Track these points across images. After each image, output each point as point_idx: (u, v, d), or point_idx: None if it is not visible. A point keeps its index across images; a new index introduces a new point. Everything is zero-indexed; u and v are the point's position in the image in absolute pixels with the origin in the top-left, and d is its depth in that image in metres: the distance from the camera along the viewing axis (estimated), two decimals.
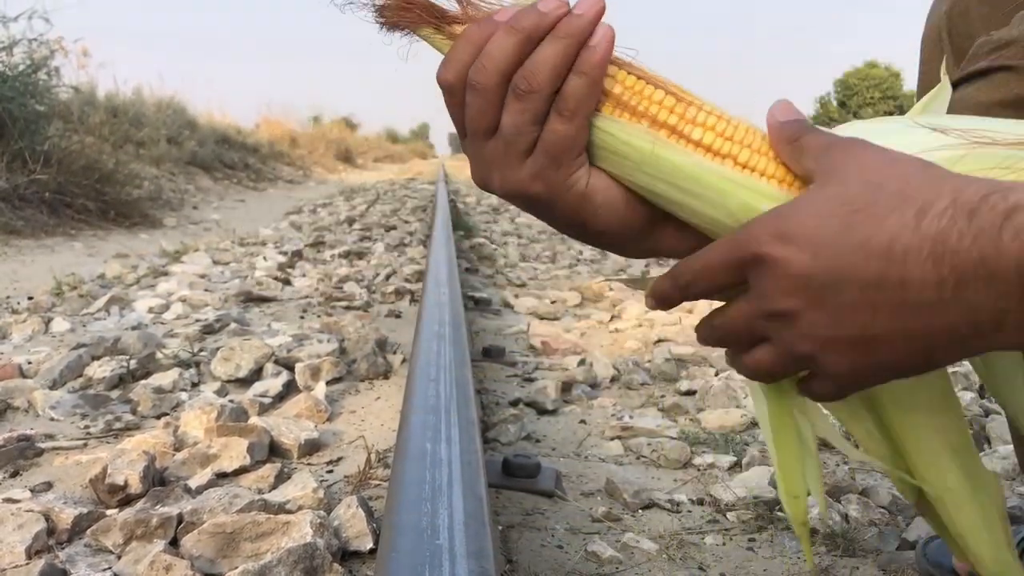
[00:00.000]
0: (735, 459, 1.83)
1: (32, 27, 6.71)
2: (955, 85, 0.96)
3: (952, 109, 0.93)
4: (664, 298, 0.68)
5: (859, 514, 1.52)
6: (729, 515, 1.59)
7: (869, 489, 1.65)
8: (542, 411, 2.22)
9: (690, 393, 2.38)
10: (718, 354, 2.65)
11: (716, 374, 2.53)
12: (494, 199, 11.28)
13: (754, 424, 2.05)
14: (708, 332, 0.67)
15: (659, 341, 3.03)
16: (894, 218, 0.54)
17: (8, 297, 3.51)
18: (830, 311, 0.57)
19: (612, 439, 2.00)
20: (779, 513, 1.55)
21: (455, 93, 0.65)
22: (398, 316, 3.28)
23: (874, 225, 0.54)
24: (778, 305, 0.58)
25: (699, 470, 1.81)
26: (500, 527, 1.46)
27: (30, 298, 3.45)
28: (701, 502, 1.66)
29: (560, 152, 0.63)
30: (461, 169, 27.80)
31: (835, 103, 24.23)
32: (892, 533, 1.48)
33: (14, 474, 1.62)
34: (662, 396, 2.38)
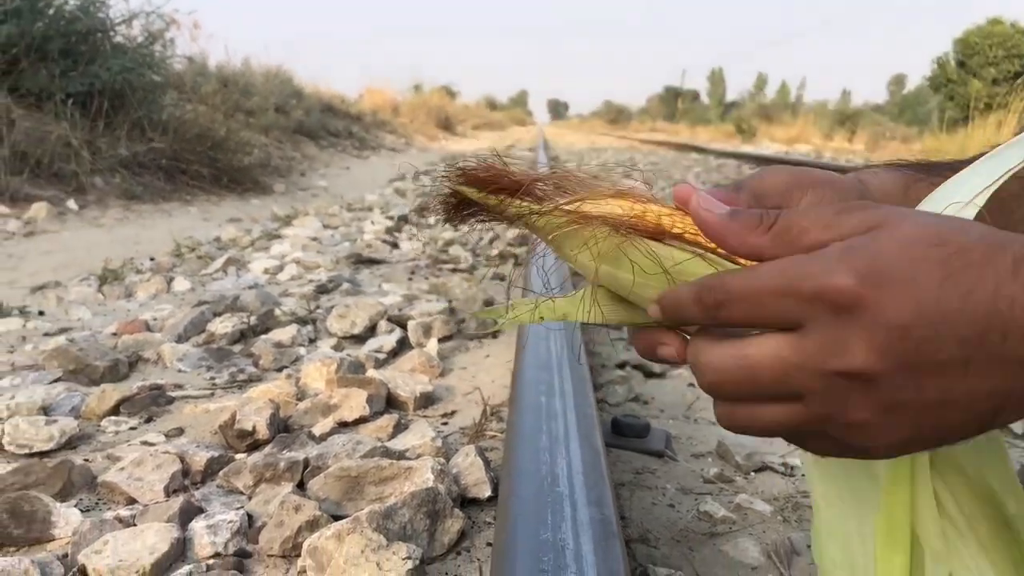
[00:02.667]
0: None
1: (149, 0, 6.96)
2: None
3: None
4: (676, 314, 0.56)
5: None
6: None
7: None
8: (649, 374, 2.21)
9: None
10: None
11: None
12: (595, 165, 11.19)
13: None
14: (712, 372, 0.54)
15: None
16: (992, 266, 0.47)
17: (132, 259, 3.67)
18: (918, 374, 0.48)
19: None
20: None
21: None
22: (502, 279, 3.31)
23: (975, 273, 0.47)
24: (857, 363, 0.49)
25: None
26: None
27: (152, 259, 3.61)
28: None
29: None
30: (561, 135, 27.66)
31: (954, 64, 23.08)
32: None
33: (148, 420, 1.71)
34: None
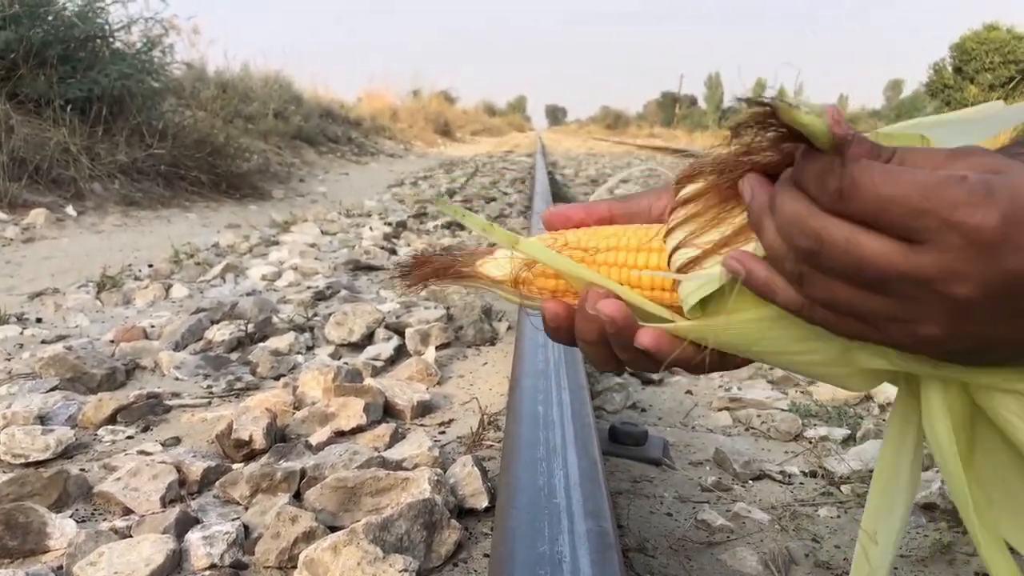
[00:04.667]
0: (849, 432, 1.79)
1: (148, 6, 6.97)
2: None
3: None
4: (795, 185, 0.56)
5: None
6: (843, 488, 1.56)
7: None
8: (647, 381, 2.20)
9: None
10: None
11: None
12: (592, 171, 11.21)
13: (868, 397, 2.00)
14: (815, 240, 0.54)
15: None
16: None
17: (130, 265, 3.67)
18: (999, 316, 0.52)
19: (720, 410, 1.97)
20: None
21: None
22: None
23: None
24: (965, 292, 0.51)
25: (811, 443, 1.78)
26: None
27: (150, 266, 3.61)
28: (814, 474, 1.63)
29: None
30: (559, 141, 27.66)
31: (950, 69, 23.12)
32: None
33: (145, 429, 1.70)
34: (771, 368, 2.33)
